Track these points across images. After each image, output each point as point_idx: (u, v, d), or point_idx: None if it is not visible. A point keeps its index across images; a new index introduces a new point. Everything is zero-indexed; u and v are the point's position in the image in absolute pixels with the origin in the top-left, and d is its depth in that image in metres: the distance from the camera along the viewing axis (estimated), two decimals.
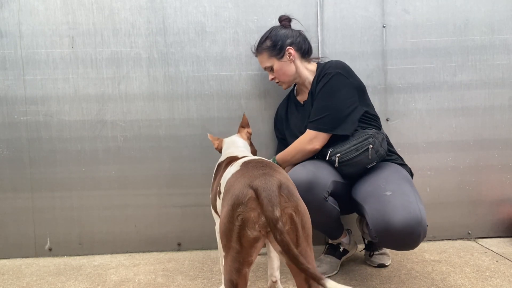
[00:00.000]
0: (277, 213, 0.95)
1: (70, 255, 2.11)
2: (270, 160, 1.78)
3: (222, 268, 1.52)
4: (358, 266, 1.83)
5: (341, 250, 1.79)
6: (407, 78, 2.11)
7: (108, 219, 2.11)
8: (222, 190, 1.33)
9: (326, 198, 1.55)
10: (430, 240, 2.15)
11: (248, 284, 1.62)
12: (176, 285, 1.66)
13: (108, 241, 2.11)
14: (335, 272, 1.74)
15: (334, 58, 1.89)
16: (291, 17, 1.86)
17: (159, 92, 2.08)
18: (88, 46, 2.06)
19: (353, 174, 1.64)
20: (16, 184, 2.08)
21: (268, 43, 1.78)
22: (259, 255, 1.32)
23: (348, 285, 1.60)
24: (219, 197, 1.39)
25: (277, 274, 1.47)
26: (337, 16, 2.08)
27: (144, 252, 2.13)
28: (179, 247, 2.13)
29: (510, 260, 1.82)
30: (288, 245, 0.93)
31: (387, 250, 1.87)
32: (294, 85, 1.95)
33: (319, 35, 2.08)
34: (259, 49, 1.81)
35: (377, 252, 1.84)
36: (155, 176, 2.10)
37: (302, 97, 1.86)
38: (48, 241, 2.10)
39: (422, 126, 2.12)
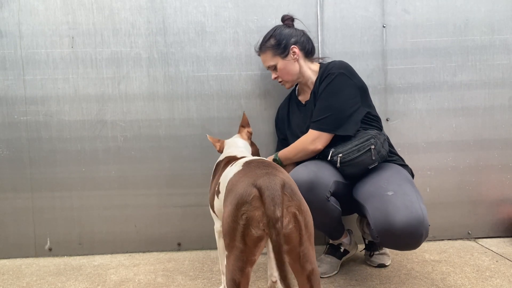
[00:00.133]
0: (278, 213, 0.95)
1: (70, 255, 2.11)
2: (272, 156, 1.79)
3: (222, 268, 1.52)
4: (358, 266, 1.83)
5: (341, 250, 1.79)
6: (407, 78, 2.11)
7: (108, 219, 2.11)
8: (221, 189, 1.33)
9: (328, 198, 1.55)
10: (430, 240, 2.15)
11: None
12: (176, 285, 1.66)
13: (108, 241, 2.11)
14: (335, 272, 1.75)
15: (334, 58, 1.89)
16: (293, 17, 1.86)
17: (159, 92, 2.08)
18: (88, 46, 2.06)
19: (354, 174, 1.64)
20: (16, 184, 2.08)
21: (272, 41, 1.77)
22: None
23: (348, 285, 1.61)
24: (218, 197, 1.39)
25: (277, 274, 1.46)
26: (337, 16, 2.08)
27: (144, 252, 2.13)
28: (179, 247, 2.13)
29: (510, 260, 1.82)
30: (280, 247, 0.93)
31: (387, 250, 1.87)
32: (296, 85, 1.95)
33: (319, 35, 2.08)
34: (262, 47, 1.80)
35: (377, 252, 1.84)
36: (155, 176, 2.10)
37: (304, 97, 1.86)
38: (48, 241, 2.10)
39: (422, 126, 2.12)
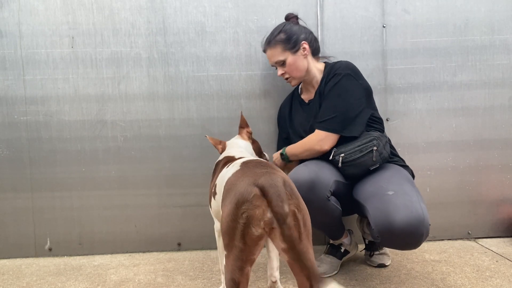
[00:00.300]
0: (286, 208, 0.97)
1: (70, 255, 2.11)
2: (279, 152, 1.79)
3: (222, 267, 1.52)
4: (358, 266, 1.83)
5: (342, 250, 1.79)
6: (407, 78, 2.11)
7: (108, 219, 2.11)
8: (217, 191, 1.33)
9: (329, 197, 1.55)
10: (430, 240, 2.15)
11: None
12: (176, 285, 1.66)
13: (108, 241, 2.11)
14: (335, 272, 1.74)
15: (338, 58, 1.89)
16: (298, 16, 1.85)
17: (159, 92, 2.08)
18: (88, 46, 2.06)
19: (355, 175, 1.64)
20: (16, 184, 2.08)
21: (282, 36, 1.74)
22: None
23: (348, 285, 1.61)
24: (214, 198, 1.39)
25: (276, 274, 1.47)
26: (337, 16, 2.08)
27: (144, 252, 2.13)
28: (179, 247, 2.13)
29: (510, 260, 1.82)
30: (295, 241, 0.95)
31: (387, 250, 1.87)
32: (299, 84, 1.93)
33: (319, 35, 2.08)
34: (272, 42, 1.76)
35: (377, 252, 1.84)
36: (155, 176, 2.10)
37: (307, 96, 1.86)
38: (48, 241, 2.10)
39: (422, 126, 2.12)
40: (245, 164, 1.18)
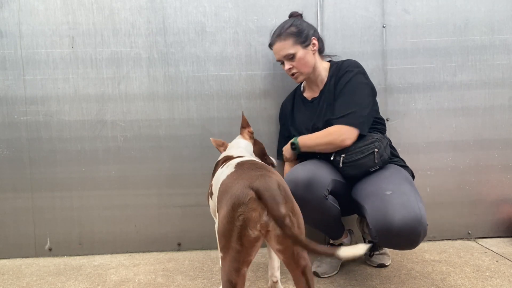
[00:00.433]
0: (283, 210, 0.98)
1: (70, 255, 2.11)
2: (291, 141, 1.74)
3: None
4: (358, 266, 1.83)
5: None
6: (407, 78, 2.11)
7: (108, 219, 2.11)
8: (214, 190, 1.34)
9: (326, 196, 1.55)
10: (430, 240, 2.15)
11: (247, 285, 1.63)
12: (176, 285, 1.66)
13: (108, 241, 2.11)
14: (335, 272, 1.74)
15: (340, 58, 1.89)
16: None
17: (159, 92, 2.08)
18: (88, 46, 2.06)
19: (355, 176, 1.64)
20: (16, 184, 2.08)
21: (293, 29, 1.70)
22: None
23: (348, 285, 1.61)
24: (211, 198, 1.40)
25: (277, 274, 1.47)
26: (337, 16, 2.08)
27: (144, 252, 2.12)
28: (179, 247, 2.13)
29: (510, 260, 1.82)
30: (297, 236, 0.96)
31: (387, 250, 1.87)
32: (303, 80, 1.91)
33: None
34: (283, 34, 1.70)
35: (377, 252, 1.84)
36: (155, 176, 2.10)
37: (310, 94, 1.84)
38: (48, 241, 2.10)
39: (422, 126, 2.12)
40: (240, 166, 1.18)
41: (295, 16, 1.81)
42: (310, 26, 1.76)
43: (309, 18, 2.06)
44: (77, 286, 1.69)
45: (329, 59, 1.88)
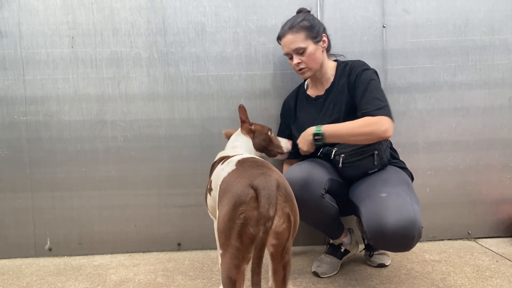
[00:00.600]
0: (271, 212, 0.99)
1: (70, 255, 2.11)
2: (313, 129, 1.61)
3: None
4: (358, 266, 1.83)
5: (342, 250, 1.79)
6: (407, 78, 2.11)
7: (108, 219, 2.11)
8: (213, 187, 1.34)
9: (323, 195, 1.54)
10: (430, 240, 2.15)
11: (247, 285, 1.63)
12: (176, 285, 1.66)
13: (108, 241, 2.11)
14: (335, 272, 1.74)
15: (342, 57, 1.89)
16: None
17: (159, 92, 2.08)
18: (88, 46, 2.06)
19: (354, 177, 1.64)
20: (16, 184, 2.08)
21: (306, 23, 1.66)
22: None
23: (348, 285, 1.61)
24: (210, 194, 1.40)
25: None
26: (337, 16, 2.08)
27: (144, 252, 2.12)
28: (179, 247, 2.13)
29: (510, 260, 1.82)
30: (263, 245, 0.98)
31: None
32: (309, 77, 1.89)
33: None
34: (296, 27, 1.66)
35: (377, 252, 1.84)
36: (155, 176, 2.10)
37: (314, 92, 1.82)
38: (48, 241, 2.10)
39: (422, 126, 2.12)
40: (240, 164, 1.19)
41: (304, 12, 1.77)
42: (320, 22, 1.73)
43: None
44: (77, 286, 1.69)
45: (334, 58, 1.87)
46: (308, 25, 1.67)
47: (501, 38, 2.11)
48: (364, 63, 1.69)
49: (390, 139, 1.83)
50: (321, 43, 1.71)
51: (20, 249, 2.10)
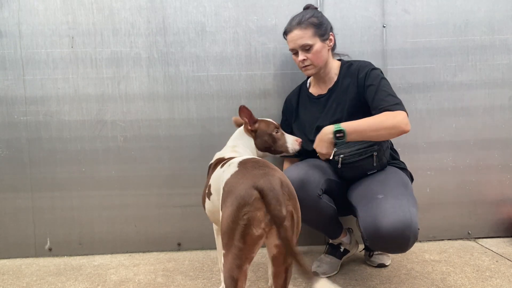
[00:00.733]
0: (284, 211, 1.01)
1: (70, 255, 2.11)
2: (332, 127, 1.49)
3: (221, 266, 1.52)
4: (358, 266, 1.83)
5: (341, 250, 1.79)
6: (407, 78, 2.11)
7: (108, 219, 2.11)
8: (212, 191, 1.33)
9: (320, 195, 1.54)
10: (430, 240, 2.15)
11: (248, 285, 1.63)
12: (176, 285, 1.66)
13: (108, 241, 2.11)
14: (335, 272, 1.74)
15: (347, 57, 1.89)
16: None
17: (159, 92, 2.08)
18: (88, 46, 2.06)
19: (353, 177, 1.63)
20: (16, 184, 2.08)
21: (315, 20, 1.64)
22: None
23: (348, 285, 1.61)
24: (209, 199, 1.38)
25: None
26: (337, 16, 2.08)
27: (144, 252, 2.12)
28: (179, 247, 2.13)
29: (510, 260, 1.82)
30: (290, 242, 1.00)
31: None
32: (308, 77, 1.88)
33: None
34: (304, 22, 1.63)
35: (377, 252, 1.84)
36: (155, 176, 2.10)
37: (317, 90, 1.81)
38: (48, 241, 2.10)
39: (422, 126, 2.12)
40: (242, 165, 1.18)
41: (312, 8, 1.74)
42: (328, 21, 1.72)
43: None
44: (77, 286, 1.69)
45: (338, 57, 1.86)
46: (317, 22, 1.65)
47: (501, 38, 2.11)
48: (370, 63, 1.69)
49: (391, 139, 1.83)
50: (327, 41, 1.70)
51: (20, 249, 2.10)
